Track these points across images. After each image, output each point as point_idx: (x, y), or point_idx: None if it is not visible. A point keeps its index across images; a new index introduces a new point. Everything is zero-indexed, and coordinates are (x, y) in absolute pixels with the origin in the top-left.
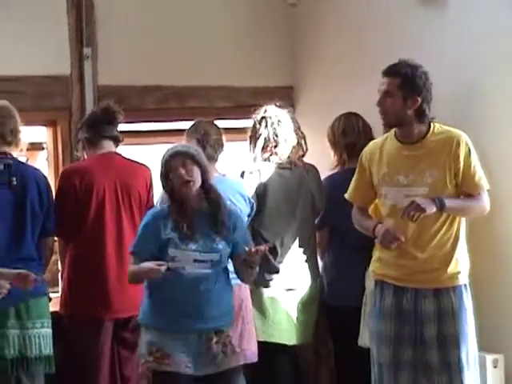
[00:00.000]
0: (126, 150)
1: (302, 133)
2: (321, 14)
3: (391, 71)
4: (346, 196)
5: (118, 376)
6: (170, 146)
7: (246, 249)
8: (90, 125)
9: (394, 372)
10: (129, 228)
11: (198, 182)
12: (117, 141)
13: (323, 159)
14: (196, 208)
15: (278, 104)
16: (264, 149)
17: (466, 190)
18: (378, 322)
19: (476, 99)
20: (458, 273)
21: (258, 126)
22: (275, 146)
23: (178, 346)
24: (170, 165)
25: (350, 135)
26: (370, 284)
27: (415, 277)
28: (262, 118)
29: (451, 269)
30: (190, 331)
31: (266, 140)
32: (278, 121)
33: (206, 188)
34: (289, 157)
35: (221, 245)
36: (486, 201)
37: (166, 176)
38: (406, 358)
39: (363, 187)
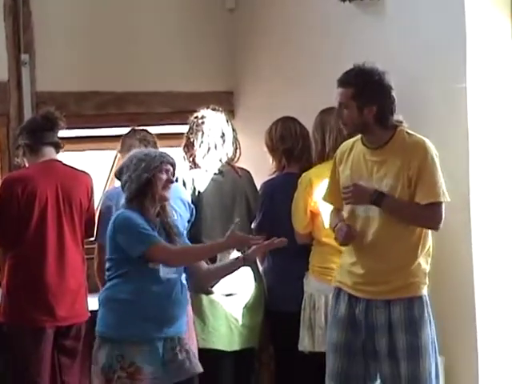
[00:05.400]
0: (64, 157)
1: (236, 137)
2: (259, 19)
3: (343, 81)
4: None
5: (58, 383)
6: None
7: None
8: (31, 131)
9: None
10: (69, 235)
11: None
12: (58, 147)
13: (263, 164)
14: None
15: (213, 108)
16: (198, 154)
17: (418, 199)
18: (330, 329)
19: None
20: (411, 284)
21: (193, 130)
22: (210, 150)
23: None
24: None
25: (287, 141)
26: (308, 289)
27: (367, 287)
28: (198, 122)
29: (404, 281)
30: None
31: (202, 145)
32: (214, 124)
33: None
34: (224, 162)
35: None
36: (437, 213)
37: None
38: (355, 369)
39: (335, 188)
